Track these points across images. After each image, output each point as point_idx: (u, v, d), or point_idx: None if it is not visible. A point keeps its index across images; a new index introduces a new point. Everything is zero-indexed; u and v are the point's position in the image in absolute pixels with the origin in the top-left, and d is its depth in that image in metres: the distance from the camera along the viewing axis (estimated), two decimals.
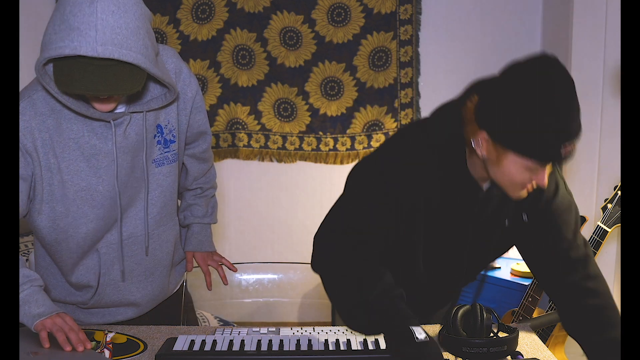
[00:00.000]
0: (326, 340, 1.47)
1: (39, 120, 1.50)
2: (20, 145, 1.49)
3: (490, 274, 3.14)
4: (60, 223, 1.57)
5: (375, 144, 3.46)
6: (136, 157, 1.61)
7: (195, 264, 1.90)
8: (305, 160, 3.51)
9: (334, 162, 3.48)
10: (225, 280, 1.86)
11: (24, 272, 1.53)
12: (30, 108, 1.50)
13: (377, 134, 3.45)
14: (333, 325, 1.89)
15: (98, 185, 1.57)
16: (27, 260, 2.81)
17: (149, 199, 1.66)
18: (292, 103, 3.43)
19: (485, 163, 1.43)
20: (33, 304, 1.49)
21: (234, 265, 1.92)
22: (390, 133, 3.46)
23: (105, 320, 1.74)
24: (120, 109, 1.55)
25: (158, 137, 1.65)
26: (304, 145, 3.48)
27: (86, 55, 1.32)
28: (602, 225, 2.11)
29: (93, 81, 1.35)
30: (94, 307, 1.73)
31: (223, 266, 1.90)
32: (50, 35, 1.36)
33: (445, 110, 1.53)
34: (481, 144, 1.40)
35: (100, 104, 1.47)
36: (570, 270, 1.53)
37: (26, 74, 3.55)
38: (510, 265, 3.15)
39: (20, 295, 1.49)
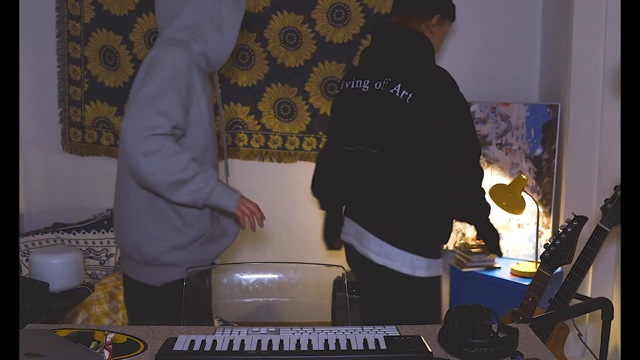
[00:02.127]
0: (326, 340, 1.47)
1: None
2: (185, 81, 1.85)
3: (490, 274, 3.14)
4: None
5: None
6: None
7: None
8: (305, 160, 3.51)
9: None
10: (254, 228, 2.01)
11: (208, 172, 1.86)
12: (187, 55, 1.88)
13: None
14: (333, 326, 1.88)
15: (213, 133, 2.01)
16: (27, 260, 2.82)
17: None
18: (292, 103, 3.43)
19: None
20: (223, 190, 1.88)
21: (235, 264, 1.94)
22: None
23: (217, 252, 2.08)
24: None
25: None
26: (304, 145, 3.48)
27: None
28: (602, 225, 2.11)
29: None
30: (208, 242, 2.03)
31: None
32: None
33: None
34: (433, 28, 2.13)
35: None
36: None
37: (26, 74, 3.57)
38: (510, 265, 3.16)
39: (207, 189, 1.84)
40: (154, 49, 1.91)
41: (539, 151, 3.18)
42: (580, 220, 2.14)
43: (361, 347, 1.44)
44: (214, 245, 2.05)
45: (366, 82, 2.12)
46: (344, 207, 2.33)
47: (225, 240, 2.10)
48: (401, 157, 2.03)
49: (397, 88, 2.01)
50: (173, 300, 1.91)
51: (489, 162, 3.30)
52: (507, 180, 3.20)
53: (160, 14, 1.97)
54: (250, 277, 2.08)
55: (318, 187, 2.37)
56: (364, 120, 2.12)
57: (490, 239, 2.16)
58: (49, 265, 2.29)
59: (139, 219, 1.94)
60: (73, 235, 3.23)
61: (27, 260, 2.90)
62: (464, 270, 3.17)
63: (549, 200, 3.16)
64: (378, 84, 2.08)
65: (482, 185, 2.04)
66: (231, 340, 1.47)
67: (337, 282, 3.19)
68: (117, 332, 1.62)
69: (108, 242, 3.30)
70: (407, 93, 1.98)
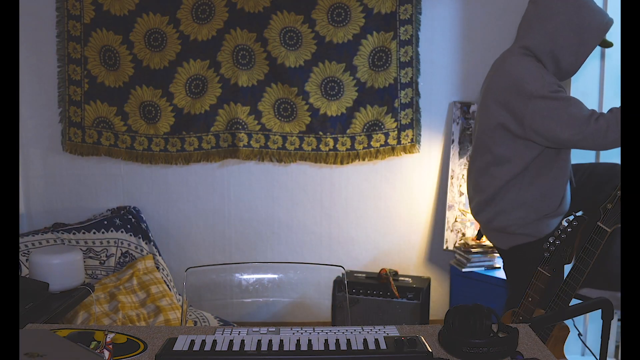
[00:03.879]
0: (326, 340, 1.47)
1: None
2: None
3: (490, 274, 3.14)
4: None
5: (375, 144, 3.46)
6: None
7: None
8: (305, 160, 3.51)
9: (334, 162, 3.48)
10: None
11: None
12: None
13: (377, 134, 3.45)
14: (333, 326, 1.88)
15: None
16: (27, 260, 2.81)
17: None
18: (292, 103, 3.43)
19: None
20: None
21: (235, 264, 1.93)
22: (390, 133, 3.46)
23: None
24: None
25: None
26: (304, 145, 3.48)
27: None
28: (602, 225, 2.11)
29: None
30: None
31: None
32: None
33: None
34: None
35: None
36: None
37: (26, 74, 3.56)
38: None
39: None
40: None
41: None
42: (580, 220, 2.14)
43: (361, 347, 1.45)
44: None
45: None
46: None
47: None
48: None
49: None
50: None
51: None
52: None
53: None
54: (250, 277, 2.08)
55: None
56: None
57: None
58: (49, 265, 2.29)
59: None
60: (73, 235, 3.23)
61: (27, 260, 2.90)
62: (464, 270, 3.17)
63: None
64: None
65: None
66: (231, 340, 1.47)
67: (337, 282, 3.19)
68: (117, 332, 1.61)
69: (108, 242, 3.30)
70: None
